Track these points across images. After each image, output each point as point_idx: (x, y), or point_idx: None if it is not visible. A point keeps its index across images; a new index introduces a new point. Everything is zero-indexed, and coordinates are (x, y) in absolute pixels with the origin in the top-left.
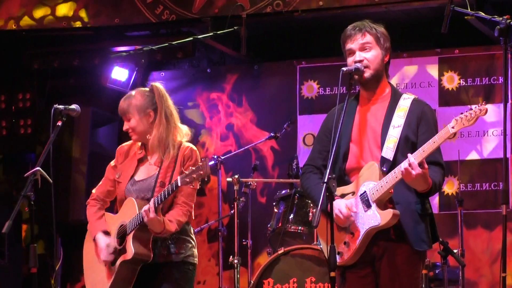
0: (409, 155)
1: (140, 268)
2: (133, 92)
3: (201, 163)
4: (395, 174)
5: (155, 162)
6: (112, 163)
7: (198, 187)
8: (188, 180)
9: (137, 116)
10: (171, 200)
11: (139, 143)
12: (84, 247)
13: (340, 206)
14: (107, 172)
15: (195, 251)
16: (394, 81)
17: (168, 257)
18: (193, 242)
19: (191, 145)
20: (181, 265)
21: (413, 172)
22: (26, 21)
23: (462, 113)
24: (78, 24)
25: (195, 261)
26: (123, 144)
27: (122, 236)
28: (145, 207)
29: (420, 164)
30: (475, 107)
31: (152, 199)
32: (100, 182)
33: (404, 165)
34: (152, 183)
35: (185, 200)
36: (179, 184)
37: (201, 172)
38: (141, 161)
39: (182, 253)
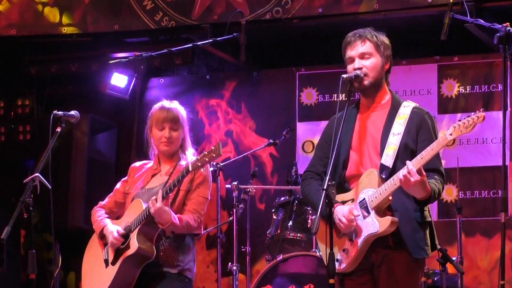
0: (407, 162)
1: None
2: (178, 105)
3: (213, 147)
4: (394, 182)
5: (166, 172)
6: (125, 178)
7: (209, 198)
8: (199, 164)
9: (182, 130)
10: (181, 208)
11: (151, 162)
12: (85, 254)
13: (343, 212)
14: (118, 185)
15: (194, 267)
16: (393, 88)
17: (166, 266)
18: (192, 257)
19: None
20: (177, 276)
21: (412, 180)
22: (4, 5)
23: (460, 120)
24: (56, 9)
25: (191, 276)
26: (135, 163)
27: (125, 236)
28: (153, 198)
29: (418, 171)
30: (473, 114)
31: (160, 189)
32: (110, 194)
33: (402, 172)
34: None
35: (196, 208)
36: (190, 169)
37: (214, 155)
38: (154, 175)
39: (181, 265)
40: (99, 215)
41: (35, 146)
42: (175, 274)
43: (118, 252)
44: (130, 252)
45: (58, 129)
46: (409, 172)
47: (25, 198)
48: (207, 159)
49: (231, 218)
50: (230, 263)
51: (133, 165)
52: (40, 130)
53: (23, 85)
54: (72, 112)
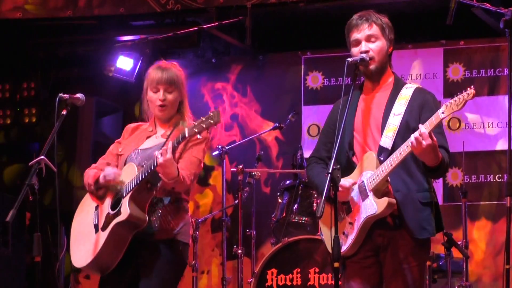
0: (420, 125)
1: (130, 243)
2: (176, 66)
3: (211, 113)
4: (390, 162)
5: (162, 135)
6: (118, 139)
7: (202, 160)
8: (196, 130)
9: (179, 93)
10: None
11: (147, 124)
12: (74, 218)
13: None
14: (111, 147)
15: (190, 229)
16: (399, 72)
17: (160, 233)
18: (187, 220)
19: None
20: (173, 243)
21: (424, 143)
22: None
23: (451, 98)
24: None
25: (187, 240)
26: (132, 123)
27: (116, 202)
28: (163, 148)
29: (430, 136)
30: (464, 91)
31: (170, 142)
32: (103, 156)
33: (414, 135)
34: (154, 152)
35: (188, 166)
36: (186, 135)
37: (211, 121)
38: (149, 137)
39: (175, 229)
40: (92, 170)
41: (41, 129)
42: (168, 241)
43: (108, 218)
44: (121, 218)
45: (64, 112)
46: (421, 135)
47: (30, 181)
48: (204, 126)
49: (236, 202)
50: (235, 247)
51: (128, 126)
52: (45, 113)
53: (29, 68)
54: (78, 95)
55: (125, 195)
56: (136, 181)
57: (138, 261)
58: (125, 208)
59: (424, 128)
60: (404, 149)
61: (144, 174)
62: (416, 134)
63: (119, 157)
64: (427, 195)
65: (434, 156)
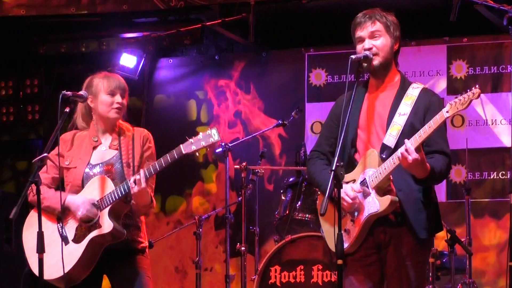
0: (405, 140)
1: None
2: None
3: (209, 131)
4: (393, 160)
5: (110, 146)
6: (55, 152)
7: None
8: (194, 147)
9: (126, 99)
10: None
11: (84, 132)
12: (24, 231)
13: (345, 189)
14: (48, 162)
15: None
16: (402, 69)
17: (133, 244)
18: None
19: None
20: (143, 253)
21: (409, 158)
22: None
23: (456, 97)
24: None
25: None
26: (66, 133)
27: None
28: (135, 177)
29: (417, 150)
30: (469, 91)
31: (142, 170)
32: (43, 170)
33: (400, 150)
34: (114, 167)
35: (150, 184)
36: (184, 152)
37: (212, 140)
38: (95, 148)
39: (143, 242)
40: (47, 190)
41: (44, 126)
42: (139, 250)
43: (81, 229)
44: (102, 231)
45: (67, 109)
46: (406, 150)
47: (34, 178)
48: (204, 144)
49: (239, 199)
50: (238, 244)
51: (63, 136)
52: (48, 110)
53: (32, 65)
54: (81, 92)
55: (103, 208)
56: (115, 196)
57: (111, 271)
58: (107, 222)
59: (409, 144)
60: None
61: (121, 193)
62: (403, 149)
63: (68, 171)
64: (428, 195)
65: (422, 169)
